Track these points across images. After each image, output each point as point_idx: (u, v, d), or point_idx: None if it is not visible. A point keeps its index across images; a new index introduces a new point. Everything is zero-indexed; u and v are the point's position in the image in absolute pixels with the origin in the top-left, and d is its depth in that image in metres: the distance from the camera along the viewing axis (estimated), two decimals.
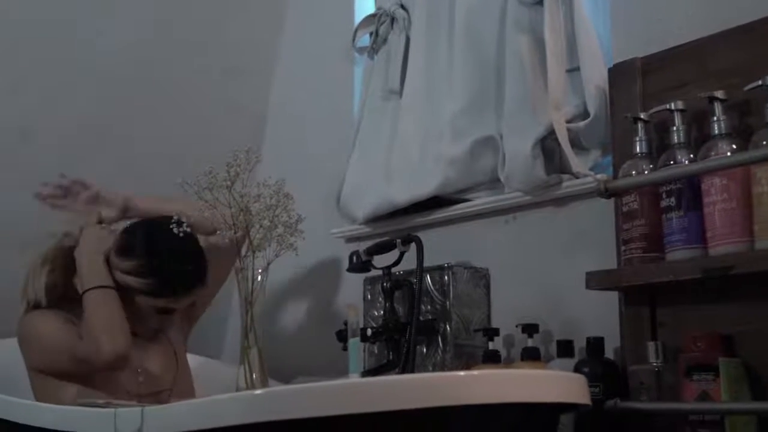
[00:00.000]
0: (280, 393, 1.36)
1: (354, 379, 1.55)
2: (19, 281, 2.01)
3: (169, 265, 1.91)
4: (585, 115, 1.88)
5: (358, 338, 1.66)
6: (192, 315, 2.18)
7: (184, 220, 1.76)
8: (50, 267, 1.99)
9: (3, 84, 2.34)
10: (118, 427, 1.52)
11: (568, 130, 1.86)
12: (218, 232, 1.63)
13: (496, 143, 2.01)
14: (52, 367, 1.93)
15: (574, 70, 1.93)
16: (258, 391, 1.42)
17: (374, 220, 2.29)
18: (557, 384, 1.37)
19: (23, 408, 1.83)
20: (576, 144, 1.89)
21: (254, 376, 1.59)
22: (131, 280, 1.91)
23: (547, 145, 1.90)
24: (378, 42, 2.43)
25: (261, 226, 1.60)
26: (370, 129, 2.38)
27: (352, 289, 2.36)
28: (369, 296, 2.19)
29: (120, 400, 1.64)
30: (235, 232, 1.59)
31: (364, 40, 2.50)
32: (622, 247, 1.66)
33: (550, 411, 1.43)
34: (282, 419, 1.32)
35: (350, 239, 2.44)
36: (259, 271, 1.64)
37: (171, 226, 1.70)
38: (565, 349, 1.79)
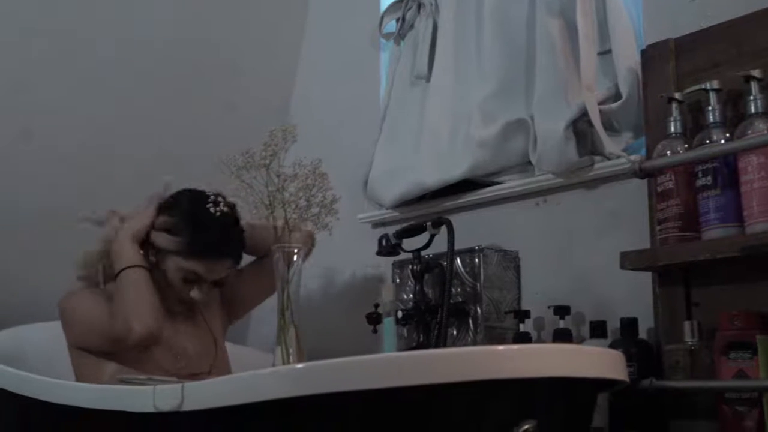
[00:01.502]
0: (322, 366, 1.36)
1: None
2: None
3: (204, 228, 1.91)
4: (616, 97, 1.89)
5: (392, 318, 1.67)
6: (234, 310, 2.19)
7: (220, 200, 1.77)
8: (103, 253, 2.02)
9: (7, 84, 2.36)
10: (156, 404, 1.53)
11: (600, 112, 1.87)
12: (253, 211, 1.64)
13: (528, 126, 2.01)
14: (87, 343, 1.95)
15: (605, 52, 1.94)
16: (299, 365, 1.43)
17: (402, 204, 2.30)
18: (597, 359, 1.37)
19: (60, 388, 1.84)
20: (608, 126, 1.89)
21: (291, 354, 1.59)
22: (163, 238, 1.93)
23: (579, 127, 1.90)
24: (405, 28, 2.44)
25: (297, 206, 1.61)
26: (397, 114, 2.39)
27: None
28: (398, 280, 2.20)
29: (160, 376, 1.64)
30: (271, 212, 1.60)
31: (391, 26, 2.51)
32: (657, 227, 1.66)
33: (589, 388, 1.43)
34: (324, 392, 1.33)
35: (376, 224, 2.45)
36: (295, 251, 1.65)
37: (207, 206, 1.71)
38: (598, 329, 1.79)
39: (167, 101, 2.61)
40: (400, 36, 2.46)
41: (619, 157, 1.84)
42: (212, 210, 1.70)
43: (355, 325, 2.28)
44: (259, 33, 2.81)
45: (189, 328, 2.07)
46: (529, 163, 2.04)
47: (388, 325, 1.67)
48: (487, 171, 2.10)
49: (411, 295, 2.14)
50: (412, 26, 2.43)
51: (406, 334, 2.15)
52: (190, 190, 2.00)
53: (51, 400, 1.83)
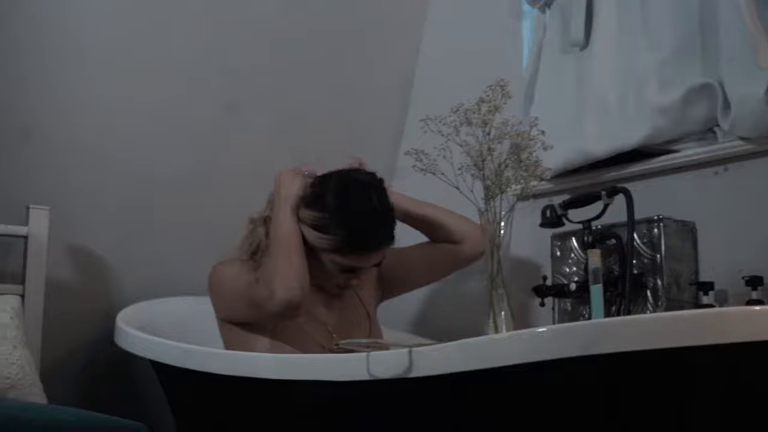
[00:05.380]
0: (568, 329, 1.31)
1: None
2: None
3: (354, 225, 1.86)
4: None
5: (600, 285, 1.60)
6: (390, 288, 2.13)
7: (369, 184, 1.75)
8: (253, 225, 1.97)
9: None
10: (372, 371, 1.47)
11: None
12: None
13: (713, 90, 1.94)
14: (233, 313, 1.92)
15: None
16: (541, 329, 1.37)
17: (559, 175, 2.23)
18: None
19: (230, 359, 1.81)
20: None
21: (503, 320, 1.53)
22: (313, 236, 1.87)
23: None
24: None
25: (507, 167, 1.55)
26: (549, 83, 2.31)
27: (531, 247, 2.30)
28: (558, 252, 2.13)
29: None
30: (484, 177, 1.53)
31: None
32: None
33: None
34: (569, 357, 1.27)
35: (524, 197, 2.37)
36: (502, 213, 1.59)
37: (355, 198, 1.77)
38: None
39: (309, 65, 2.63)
40: (546, 4, 2.39)
41: None
42: (360, 201, 1.67)
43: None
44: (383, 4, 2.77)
45: (341, 303, 2.02)
46: (710, 130, 1.97)
47: (595, 292, 1.60)
48: (665, 138, 2.03)
49: (574, 268, 2.08)
50: None
51: (569, 308, 2.09)
52: (336, 176, 1.92)
53: (228, 373, 1.78)
